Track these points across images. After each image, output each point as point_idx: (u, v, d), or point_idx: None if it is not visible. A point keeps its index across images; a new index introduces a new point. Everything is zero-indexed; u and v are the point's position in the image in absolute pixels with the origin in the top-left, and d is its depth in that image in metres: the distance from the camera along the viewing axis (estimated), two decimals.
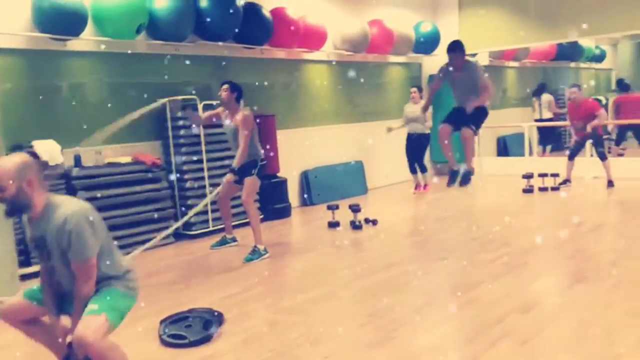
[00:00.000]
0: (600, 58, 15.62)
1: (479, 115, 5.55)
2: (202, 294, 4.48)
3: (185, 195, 6.35)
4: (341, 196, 8.20)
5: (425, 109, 6.39)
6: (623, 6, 8.60)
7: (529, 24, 9.53)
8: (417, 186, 8.80)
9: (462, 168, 5.70)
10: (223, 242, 5.95)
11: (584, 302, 3.91)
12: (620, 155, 10.68)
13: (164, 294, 4.51)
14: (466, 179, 5.68)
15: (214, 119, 5.74)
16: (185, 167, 6.36)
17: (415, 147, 8.61)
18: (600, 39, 14.44)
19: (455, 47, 5.57)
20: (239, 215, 6.51)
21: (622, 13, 8.63)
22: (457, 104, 5.72)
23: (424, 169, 8.75)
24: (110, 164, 5.85)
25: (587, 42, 13.82)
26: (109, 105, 5.96)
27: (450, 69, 5.62)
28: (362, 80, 9.12)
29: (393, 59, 9.62)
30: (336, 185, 8.41)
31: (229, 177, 5.46)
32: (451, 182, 5.83)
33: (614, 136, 11.15)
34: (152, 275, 5.10)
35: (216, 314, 3.71)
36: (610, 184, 8.16)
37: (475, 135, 5.61)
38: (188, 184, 6.35)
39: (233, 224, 6.18)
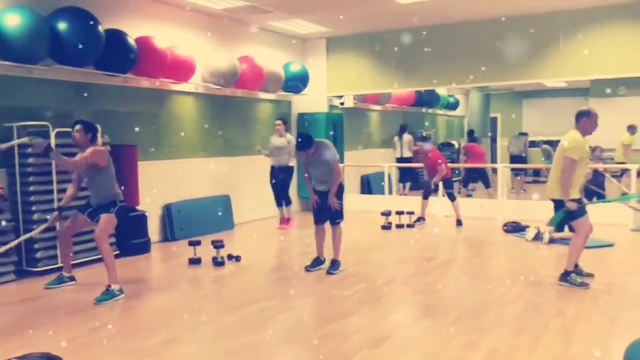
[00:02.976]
0: (454, 106, 17.08)
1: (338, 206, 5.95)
2: (41, 337, 4.12)
3: (32, 228, 5.84)
4: (206, 231, 8.04)
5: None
6: (472, 62, 9.51)
7: (390, 72, 10.22)
8: (281, 221, 8.87)
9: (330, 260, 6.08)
10: (59, 281, 5.51)
11: (430, 335, 4.13)
12: (469, 196, 11.65)
13: None
14: (334, 267, 5.99)
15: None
16: (32, 198, 5.89)
17: (280, 179, 8.70)
18: (453, 89, 15.87)
19: (304, 144, 5.79)
20: (93, 251, 6.13)
21: (471, 68, 9.53)
22: (314, 182, 6.04)
23: (288, 201, 8.82)
24: None
25: (442, 91, 15.09)
26: None
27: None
28: (231, 114, 9.13)
29: (263, 95, 9.75)
30: (201, 220, 8.22)
31: (54, 215, 5.36)
32: (312, 266, 6.10)
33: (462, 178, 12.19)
34: None
35: (53, 359, 3.41)
36: (458, 222, 8.82)
37: (342, 222, 6.11)
38: (35, 217, 5.88)
39: (85, 260, 5.80)
